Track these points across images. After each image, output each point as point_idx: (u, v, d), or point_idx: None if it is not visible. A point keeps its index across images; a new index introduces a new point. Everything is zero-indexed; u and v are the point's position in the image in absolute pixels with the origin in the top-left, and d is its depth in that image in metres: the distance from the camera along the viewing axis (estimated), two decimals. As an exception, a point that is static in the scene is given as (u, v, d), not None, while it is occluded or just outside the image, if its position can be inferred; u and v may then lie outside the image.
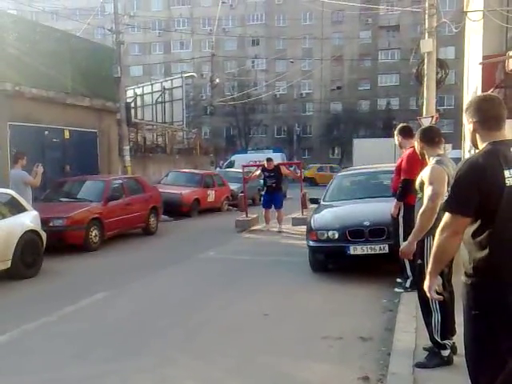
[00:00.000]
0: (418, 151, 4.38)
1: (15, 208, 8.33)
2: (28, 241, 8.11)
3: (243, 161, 31.36)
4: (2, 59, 12.46)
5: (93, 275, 8.43)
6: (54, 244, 9.29)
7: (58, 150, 14.34)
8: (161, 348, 4.92)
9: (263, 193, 13.39)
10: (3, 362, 4.67)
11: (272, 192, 12.90)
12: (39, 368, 4.52)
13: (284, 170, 13.34)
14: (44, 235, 8.57)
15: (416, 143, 4.40)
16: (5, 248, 7.62)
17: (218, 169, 28.40)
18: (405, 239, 4.24)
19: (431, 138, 4.24)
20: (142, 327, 5.62)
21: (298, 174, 15.19)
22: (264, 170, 12.98)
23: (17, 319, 5.83)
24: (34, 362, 4.65)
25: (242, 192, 14.70)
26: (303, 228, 11.81)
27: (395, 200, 6.42)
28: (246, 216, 13.61)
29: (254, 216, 13.66)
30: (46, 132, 13.88)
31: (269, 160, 13.05)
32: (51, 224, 9.79)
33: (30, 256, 8.14)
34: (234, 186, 18.97)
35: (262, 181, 13.78)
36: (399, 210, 6.31)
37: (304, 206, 13.13)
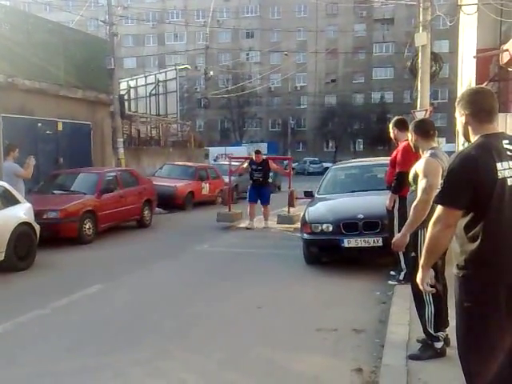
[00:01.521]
0: (411, 143, 4.39)
1: (8, 200, 8.29)
2: (21, 233, 8.08)
3: (213, 154, 31.70)
4: (-6, 51, 12.38)
5: (87, 268, 8.41)
6: (48, 236, 9.25)
7: (51, 143, 14.28)
8: (155, 341, 4.93)
9: (249, 186, 12.60)
10: (-3, 355, 4.66)
11: (259, 186, 12.23)
12: (33, 361, 4.52)
13: (272, 164, 12.63)
14: (37, 228, 8.54)
15: (409, 135, 4.40)
16: (-2, 240, 7.59)
17: (212, 161, 28.36)
18: (400, 232, 4.25)
19: (426, 130, 4.24)
20: (137, 320, 5.62)
21: (288, 171, 14.11)
22: (252, 162, 12.29)
23: (10, 312, 5.82)
24: (27, 355, 4.64)
25: (226, 184, 14.02)
26: (288, 226, 11.63)
27: (390, 193, 6.44)
28: (229, 210, 12.84)
29: (238, 211, 12.89)
30: (39, 124, 13.81)
31: (257, 152, 12.42)
32: (45, 216, 9.75)
33: (24, 248, 8.11)
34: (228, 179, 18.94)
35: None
36: (394, 203, 6.34)
37: (291, 204, 12.30)
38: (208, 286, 7.05)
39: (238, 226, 12.59)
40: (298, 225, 11.24)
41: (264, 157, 12.61)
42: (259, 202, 12.40)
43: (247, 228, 12.10)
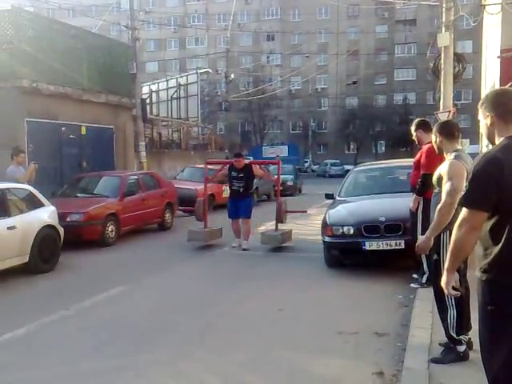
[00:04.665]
0: (435, 145, 4.33)
1: (33, 203, 8.42)
2: (45, 236, 8.21)
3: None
4: (18, 56, 12.60)
5: (109, 270, 8.50)
6: (71, 239, 9.36)
7: (75, 146, 14.48)
8: (176, 342, 4.96)
9: (228, 200, 10.41)
10: (21, 356, 4.73)
11: (238, 198, 9.90)
12: (56, 362, 4.58)
13: (257, 170, 10.64)
14: (61, 230, 8.66)
15: (434, 137, 4.34)
16: (23, 243, 7.72)
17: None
18: (423, 234, 4.21)
19: (451, 131, 4.20)
20: (158, 321, 5.66)
21: (275, 178, 11.54)
22: (232, 169, 9.99)
23: (34, 313, 5.91)
24: (51, 356, 4.71)
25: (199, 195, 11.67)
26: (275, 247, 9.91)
27: (414, 195, 6.39)
28: (205, 226, 10.45)
29: (216, 228, 10.64)
30: (63, 128, 14.02)
31: (237, 156, 10.15)
32: (68, 219, 9.88)
33: (48, 251, 8.24)
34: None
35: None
36: (418, 205, 6.28)
37: (279, 220, 10.07)
38: (229, 287, 7.07)
39: (215, 243, 10.46)
40: (288, 244, 10.15)
41: (246, 161, 10.53)
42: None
43: (233, 246, 10.08)
